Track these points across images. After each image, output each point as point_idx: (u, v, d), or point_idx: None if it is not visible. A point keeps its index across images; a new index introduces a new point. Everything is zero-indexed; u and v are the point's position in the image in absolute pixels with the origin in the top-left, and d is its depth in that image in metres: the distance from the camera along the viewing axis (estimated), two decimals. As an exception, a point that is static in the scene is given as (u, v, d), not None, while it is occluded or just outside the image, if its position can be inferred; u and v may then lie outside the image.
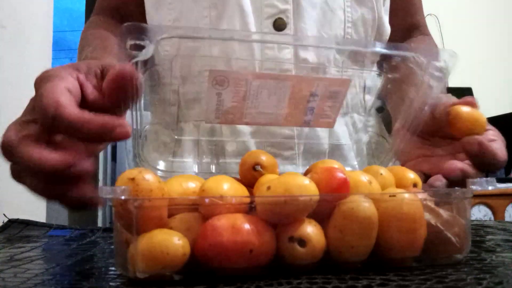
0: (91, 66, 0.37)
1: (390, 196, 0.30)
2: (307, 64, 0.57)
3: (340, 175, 0.30)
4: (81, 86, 0.35)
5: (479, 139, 0.42)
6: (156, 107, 0.64)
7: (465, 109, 0.44)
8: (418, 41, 0.71)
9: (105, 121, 0.31)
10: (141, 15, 0.64)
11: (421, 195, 0.32)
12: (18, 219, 0.51)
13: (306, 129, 0.57)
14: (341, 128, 0.60)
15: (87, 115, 0.31)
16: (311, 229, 0.28)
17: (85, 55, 0.53)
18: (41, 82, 0.34)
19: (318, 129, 0.57)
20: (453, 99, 0.47)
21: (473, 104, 0.45)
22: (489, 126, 0.47)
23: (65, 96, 0.32)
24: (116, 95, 0.33)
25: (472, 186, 0.32)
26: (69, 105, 0.31)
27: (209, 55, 0.56)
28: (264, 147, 0.57)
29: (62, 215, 2.22)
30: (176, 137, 0.59)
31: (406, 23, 0.70)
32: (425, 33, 0.73)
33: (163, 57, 0.59)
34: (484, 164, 0.42)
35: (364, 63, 0.64)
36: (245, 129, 0.57)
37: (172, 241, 0.26)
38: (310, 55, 0.57)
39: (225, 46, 0.56)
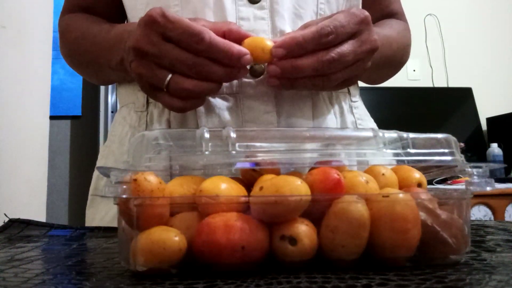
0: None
1: (383, 196, 0.30)
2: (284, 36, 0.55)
3: (334, 176, 0.30)
4: None
5: (269, 67, 0.46)
6: (125, 89, 0.62)
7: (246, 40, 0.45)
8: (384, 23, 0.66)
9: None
10: (111, 15, 0.64)
11: (421, 196, 0.32)
12: (18, 219, 0.51)
13: (287, 104, 0.55)
14: (325, 103, 0.58)
15: None
16: (302, 229, 0.29)
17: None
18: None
19: (300, 103, 0.55)
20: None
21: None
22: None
23: None
24: None
25: (471, 187, 0.32)
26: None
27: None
28: (242, 123, 0.54)
29: (62, 215, 2.22)
30: (146, 119, 0.57)
31: (382, 13, 0.68)
32: (401, 20, 0.69)
33: None
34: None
35: None
36: (220, 103, 0.54)
37: (169, 238, 0.28)
38: (287, 27, 0.54)
39: (196, 15, 0.54)
